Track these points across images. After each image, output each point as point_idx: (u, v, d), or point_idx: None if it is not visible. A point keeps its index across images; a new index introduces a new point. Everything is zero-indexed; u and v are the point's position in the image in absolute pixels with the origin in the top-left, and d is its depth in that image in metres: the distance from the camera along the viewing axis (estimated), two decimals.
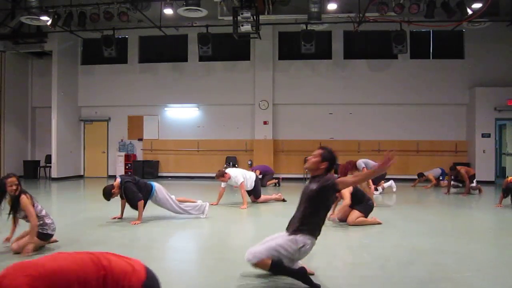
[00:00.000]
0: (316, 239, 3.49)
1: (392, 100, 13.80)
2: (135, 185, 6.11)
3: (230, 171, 8.12)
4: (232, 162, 14.19)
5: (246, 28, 10.79)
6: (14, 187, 4.48)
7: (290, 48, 13.93)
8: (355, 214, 6.06)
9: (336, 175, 3.61)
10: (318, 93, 13.92)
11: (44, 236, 4.63)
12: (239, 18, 10.59)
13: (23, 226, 4.69)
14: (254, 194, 8.33)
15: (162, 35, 13.26)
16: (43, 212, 4.67)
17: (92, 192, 11.52)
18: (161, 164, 14.77)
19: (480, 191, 10.10)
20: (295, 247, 3.37)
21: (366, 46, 14.36)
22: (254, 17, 10.76)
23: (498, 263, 4.30)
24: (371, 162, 8.75)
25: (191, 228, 6.30)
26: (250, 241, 5.44)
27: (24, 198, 4.49)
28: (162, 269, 4.08)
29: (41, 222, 4.56)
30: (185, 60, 14.60)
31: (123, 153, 14.57)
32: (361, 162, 8.42)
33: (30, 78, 15.14)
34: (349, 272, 3.94)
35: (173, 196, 6.54)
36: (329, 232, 6.22)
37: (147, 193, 6.25)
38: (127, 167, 14.47)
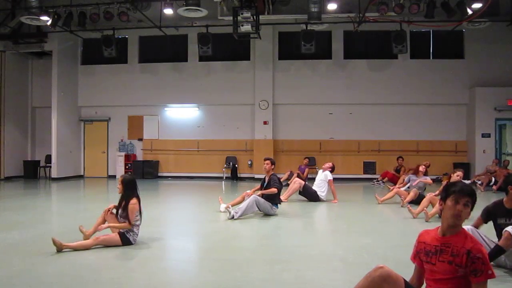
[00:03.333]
0: None
1: (392, 100, 13.80)
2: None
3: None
4: (232, 162, 14.19)
5: (246, 28, 10.78)
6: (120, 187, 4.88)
7: (290, 48, 13.93)
8: None
9: None
10: (318, 93, 13.93)
11: (125, 238, 4.75)
12: (239, 18, 10.59)
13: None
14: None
15: (162, 35, 13.26)
16: (137, 222, 4.87)
17: (92, 192, 11.53)
18: (161, 164, 14.77)
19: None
20: None
21: (366, 46, 14.36)
22: (254, 17, 10.75)
23: None
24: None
25: (191, 228, 6.31)
26: (250, 241, 5.44)
27: (134, 203, 4.78)
28: (162, 269, 4.08)
29: (131, 228, 4.82)
30: (185, 60, 14.61)
31: (123, 153, 14.56)
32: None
33: (30, 78, 15.13)
34: (349, 272, 3.94)
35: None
36: (329, 232, 6.22)
37: None
38: (127, 167, 14.45)
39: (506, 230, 3.71)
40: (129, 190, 4.86)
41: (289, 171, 11.95)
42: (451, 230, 2.45)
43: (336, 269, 4.06)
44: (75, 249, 4.54)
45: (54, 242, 4.46)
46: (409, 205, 7.00)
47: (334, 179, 8.94)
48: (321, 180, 8.82)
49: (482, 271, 2.28)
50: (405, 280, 2.49)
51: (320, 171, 9.11)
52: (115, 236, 4.75)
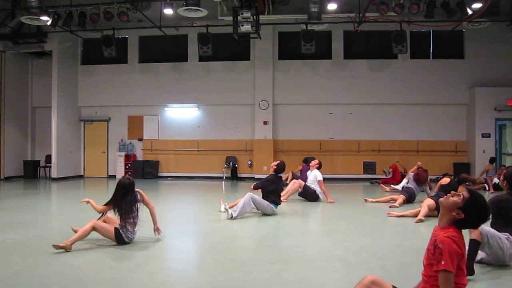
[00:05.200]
0: None
1: (392, 100, 13.80)
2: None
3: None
4: (232, 162, 14.19)
5: (246, 28, 10.79)
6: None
7: (290, 48, 13.92)
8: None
9: None
10: (318, 93, 13.93)
11: (118, 235, 4.75)
12: (239, 18, 10.59)
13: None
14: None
15: (162, 35, 13.26)
16: (135, 220, 4.86)
17: (92, 192, 11.53)
18: (161, 164, 14.77)
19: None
20: None
21: (366, 46, 14.36)
22: (254, 17, 10.76)
23: None
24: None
25: (191, 228, 6.31)
26: (250, 241, 5.45)
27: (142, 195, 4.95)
28: (162, 269, 4.08)
29: (124, 224, 4.80)
30: (185, 60, 14.61)
31: (123, 153, 14.56)
32: None
33: (30, 78, 15.13)
34: (349, 272, 3.94)
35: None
36: (329, 232, 6.22)
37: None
38: (127, 167, 14.46)
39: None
40: (123, 193, 4.83)
41: (290, 172, 11.95)
42: (440, 221, 2.49)
43: (336, 269, 4.06)
44: (80, 239, 4.57)
45: (59, 247, 4.44)
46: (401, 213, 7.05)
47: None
48: (312, 181, 8.86)
49: (438, 260, 2.27)
50: (393, 286, 2.58)
51: (308, 172, 9.16)
52: (111, 228, 4.75)
